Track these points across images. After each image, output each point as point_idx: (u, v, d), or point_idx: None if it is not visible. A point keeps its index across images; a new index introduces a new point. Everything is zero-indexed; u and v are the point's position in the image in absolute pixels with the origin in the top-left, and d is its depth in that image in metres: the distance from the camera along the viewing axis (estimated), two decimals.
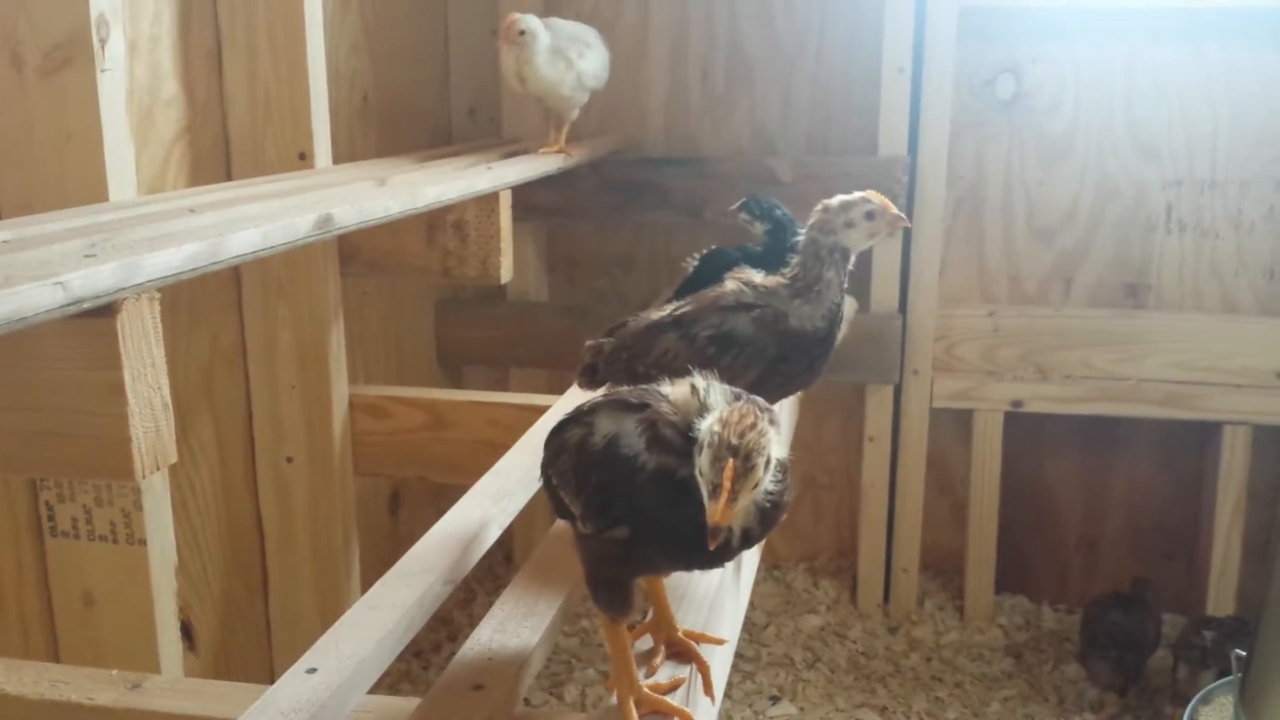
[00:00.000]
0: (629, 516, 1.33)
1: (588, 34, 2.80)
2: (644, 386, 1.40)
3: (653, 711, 1.42)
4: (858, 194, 1.83)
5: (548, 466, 1.46)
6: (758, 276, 1.90)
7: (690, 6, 3.47)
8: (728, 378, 1.85)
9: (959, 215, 3.40)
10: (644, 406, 1.34)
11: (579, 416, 1.41)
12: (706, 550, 1.26)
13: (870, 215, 1.80)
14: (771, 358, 1.81)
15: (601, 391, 2.06)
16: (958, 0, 3.14)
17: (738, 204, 2.46)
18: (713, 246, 2.63)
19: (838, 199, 1.80)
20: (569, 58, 2.68)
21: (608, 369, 1.94)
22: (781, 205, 2.42)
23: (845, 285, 1.87)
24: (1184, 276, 3.32)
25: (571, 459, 1.38)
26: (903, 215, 1.82)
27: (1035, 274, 3.41)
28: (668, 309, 1.94)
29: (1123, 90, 3.25)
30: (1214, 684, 2.66)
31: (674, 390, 1.36)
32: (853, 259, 1.86)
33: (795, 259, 1.86)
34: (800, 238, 1.85)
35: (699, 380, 1.35)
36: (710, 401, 1.30)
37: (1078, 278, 3.39)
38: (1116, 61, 3.24)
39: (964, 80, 3.29)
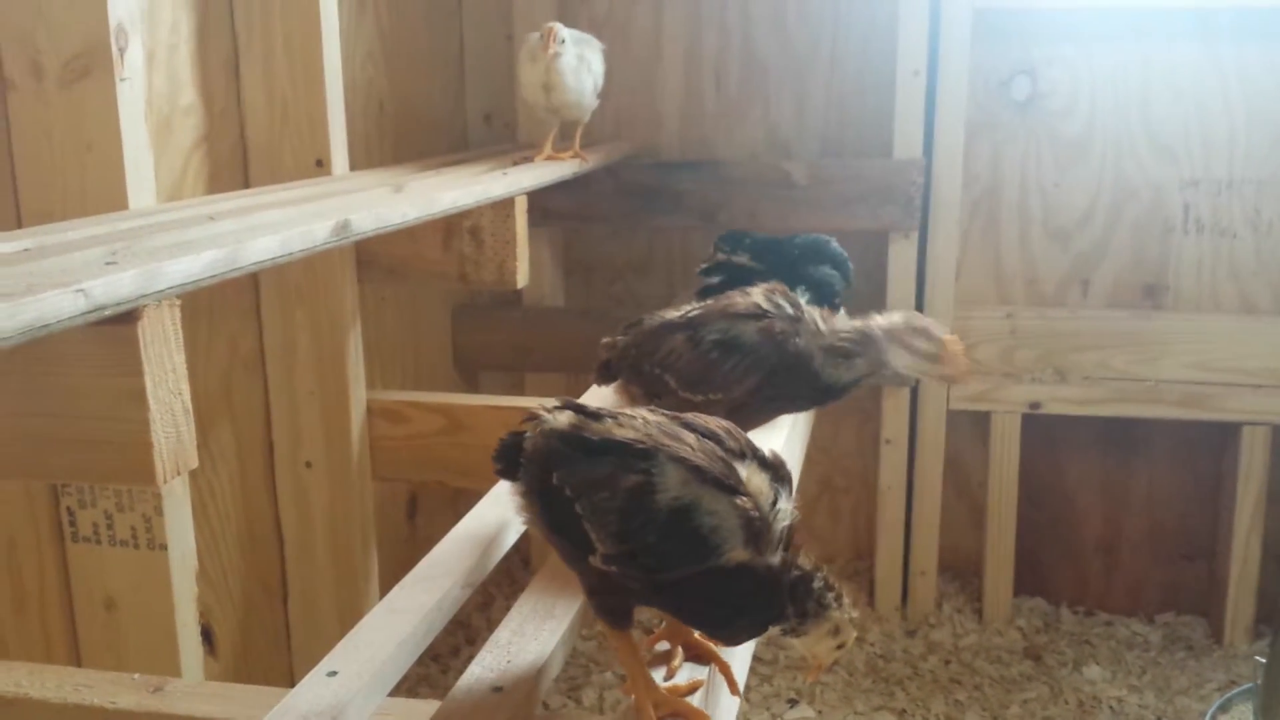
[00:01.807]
0: (674, 582, 1.31)
1: (587, 36, 2.79)
2: (721, 454, 1.35)
3: (671, 714, 1.42)
4: (938, 331, 1.73)
5: (572, 488, 1.36)
6: (817, 311, 1.88)
7: (703, 11, 3.47)
8: (727, 382, 1.88)
9: (975, 217, 3.39)
10: (736, 491, 1.30)
11: (628, 458, 1.33)
12: (739, 633, 1.40)
13: (932, 358, 1.73)
14: (771, 368, 1.83)
15: (612, 388, 2.08)
16: (972, 2, 3.13)
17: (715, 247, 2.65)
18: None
19: (922, 322, 1.72)
20: (589, 64, 2.68)
21: (619, 365, 1.99)
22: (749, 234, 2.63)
23: (861, 383, 1.86)
24: (1202, 277, 3.30)
25: (619, 503, 1.31)
26: (964, 375, 1.70)
27: (1052, 275, 3.40)
28: (683, 309, 1.97)
29: (1139, 91, 3.24)
30: (1233, 692, 2.64)
31: (750, 477, 1.34)
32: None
33: (849, 330, 1.84)
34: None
35: (775, 485, 1.35)
36: (780, 505, 1.34)
37: (1095, 279, 3.38)
38: (1132, 62, 3.23)
39: (979, 82, 3.29)
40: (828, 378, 1.82)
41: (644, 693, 1.42)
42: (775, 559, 1.32)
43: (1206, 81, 3.19)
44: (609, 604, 1.42)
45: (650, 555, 1.30)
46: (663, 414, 1.43)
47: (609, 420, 1.40)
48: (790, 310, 1.87)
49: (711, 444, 1.36)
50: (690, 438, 1.36)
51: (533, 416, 1.47)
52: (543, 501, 1.42)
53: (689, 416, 1.43)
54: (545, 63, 2.58)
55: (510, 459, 1.48)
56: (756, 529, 1.30)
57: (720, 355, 1.83)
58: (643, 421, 1.39)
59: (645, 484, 1.30)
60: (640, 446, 1.34)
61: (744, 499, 1.30)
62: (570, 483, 1.36)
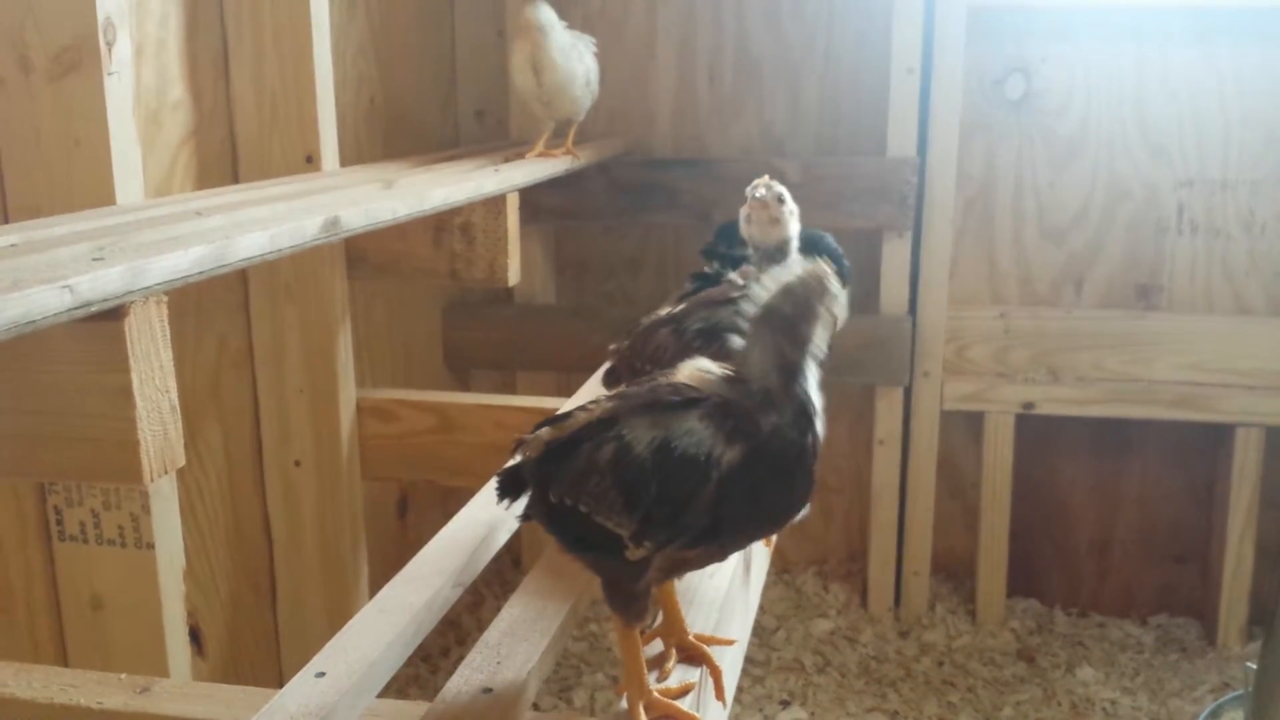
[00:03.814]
0: (701, 518, 1.29)
1: (578, 32, 2.78)
2: (649, 385, 1.38)
3: (663, 716, 1.41)
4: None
5: (568, 494, 1.35)
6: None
7: (697, 8, 3.46)
8: None
9: (969, 216, 3.39)
10: (694, 401, 1.31)
11: (591, 434, 1.34)
12: (780, 520, 1.35)
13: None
14: None
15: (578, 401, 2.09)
16: (967, 0, 3.13)
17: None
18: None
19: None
20: (580, 53, 2.68)
21: (621, 368, 2.02)
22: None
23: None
24: (1196, 277, 3.30)
25: (609, 478, 1.31)
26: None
27: (1046, 275, 3.39)
28: (670, 308, 2.00)
29: (1133, 90, 3.24)
30: (1224, 698, 2.64)
31: (685, 371, 1.37)
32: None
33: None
34: None
35: (702, 361, 1.38)
36: (718, 371, 1.36)
37: (1089, 279, 3.37)
38: (1127, 61, 3.22)
39: (973, 80, 3.28)
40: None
41: (637, 693, 1.41)
42: (775, 418, 1.30)
43: (1201, 81, 3.19)
44: (629, 594, 1.39)
45: (664, 505, 1.28)
46: (617, 390, 1.45)
47: (575, 413, 1.41)
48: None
49: (655, 380, 1.39)
50: (635, 389, 1.39)
51: (520, 442, 1.46)
52: (559, 529, 1.40)
53: (640, 380, 1.45)
54: (531, 44, 2.57)
55: (514, 489, 1.47)
56: (736, 420, 1.29)
57: (703, 344, 1.84)
58: (600, 400, 1.41)
59: (620, 446, 1.31)
60: (599, 419, 1.35)
61: (706, 403, 1.31)
62: (564, 491, 1.35)
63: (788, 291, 1.33)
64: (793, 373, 1.31)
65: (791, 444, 1.30)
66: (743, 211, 1.86)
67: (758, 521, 1.37)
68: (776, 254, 1.82)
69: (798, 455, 1.30)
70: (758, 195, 1.81)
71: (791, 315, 1.32)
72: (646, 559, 1.33)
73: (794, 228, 1.84)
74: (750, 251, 2.38)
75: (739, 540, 1.42)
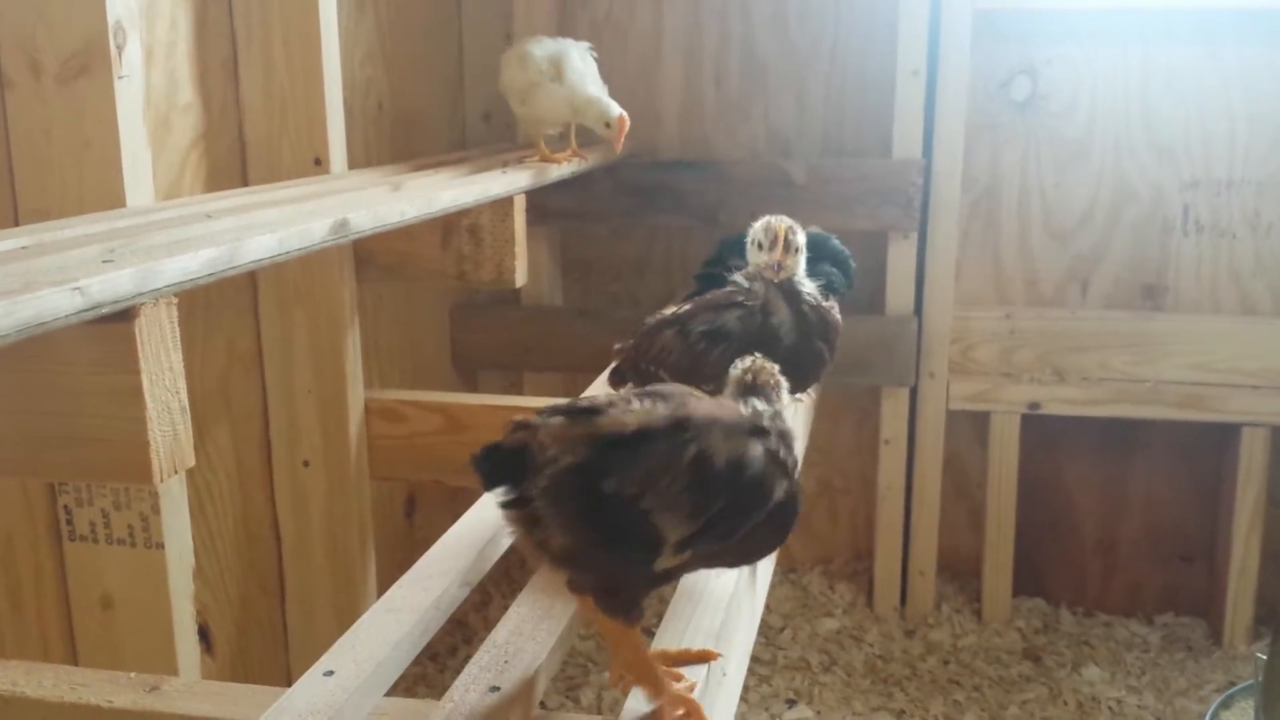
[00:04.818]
0: (733, 538, 1.34)
1: (586, 49, 2.81)
2: (709, 399, 1.39)
3: (686, 714, 1.41)
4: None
5: (636, 486, 1.28)
6: None
7: (703, 11, 3.47)
8: (716, 370, 1.90)
9: (974, 217, 3.39)
10: (760, 431, 1.35)
11: (674, 435, 1.30)
12: (756, 558, 1.49)
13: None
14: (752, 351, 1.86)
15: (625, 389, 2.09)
16: (973, 2, 3.13)
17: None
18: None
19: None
20: (597, 77, 2.72)
21: (626, 368, 2.03)
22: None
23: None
24: (1201, 278, 3.30)
25: (684, 481, 1.27)
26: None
27: (1052, 276, 3.40)
28: (675, 308, 2.01)
29: (1139, 92, 3.24)
30: (1234, 688, 2.64)
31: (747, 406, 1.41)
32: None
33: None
34: None
35: (755, 403, 1.39)
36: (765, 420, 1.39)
37: (1095, 279, 3.37)
38: (1132, 63, 3.22)
39: (979, 82, 3.28)
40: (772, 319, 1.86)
41: (661, 689, 1.40)
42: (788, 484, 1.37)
43: (1207, 82, 3.19)
44: (631, 599, 1.39)
45: (724, 520, 1.31)
46: (634, 391, 1.41)
47: (614, 409, 1.33)
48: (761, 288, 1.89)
49: (713, 399, 1.41)
50: (694, 401, 1.37)
51: (523, 425, 1.37)
52: (586, 521, 1.30)
53: (653, 388, 1.41)
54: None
55: (506, 474, 1.36)
56: (787, 464, 1.36)
57: (707, 346, 1.85)
58: (644, 399, 1.35)
59: (700, 453, 1.29)
60: (678, 419, 1.31)
61: (769, 438, 1.35)
62: (630, 484, 1.27)
63: (739, 376, 1.43)
64: (770, 404, 1.39)
65: (798, 502, 1.39)
66: (750, 242, 1.88)
67: (745, 555, 1.46)
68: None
69: (796, 510, 1.39)
70: (768, 259, 1.84)
71: (751, 383, 1.41)
72: (667, 568, 1.34)
73: (802, 261, 1.88)
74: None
75: (725, 564, 1.53)
